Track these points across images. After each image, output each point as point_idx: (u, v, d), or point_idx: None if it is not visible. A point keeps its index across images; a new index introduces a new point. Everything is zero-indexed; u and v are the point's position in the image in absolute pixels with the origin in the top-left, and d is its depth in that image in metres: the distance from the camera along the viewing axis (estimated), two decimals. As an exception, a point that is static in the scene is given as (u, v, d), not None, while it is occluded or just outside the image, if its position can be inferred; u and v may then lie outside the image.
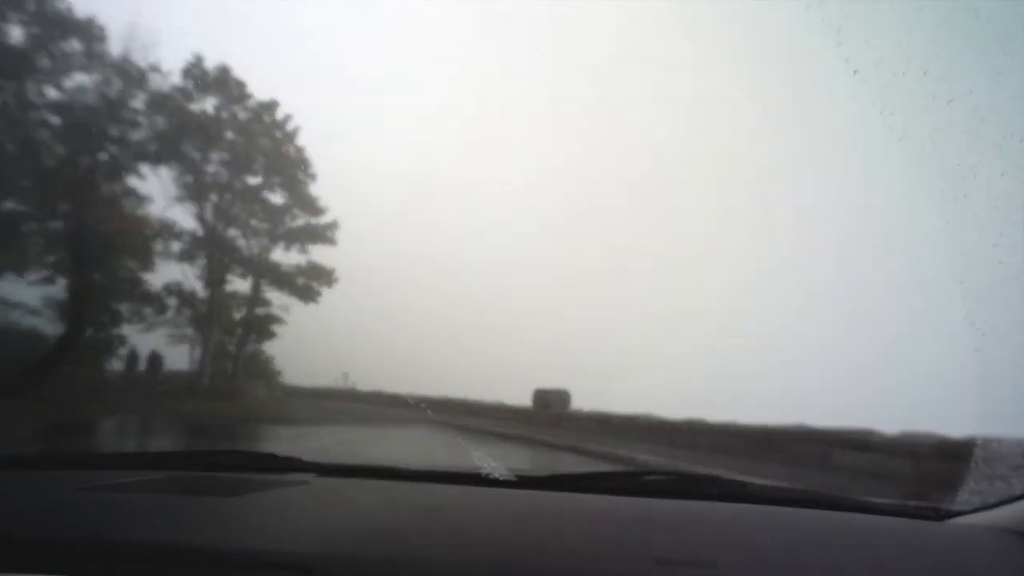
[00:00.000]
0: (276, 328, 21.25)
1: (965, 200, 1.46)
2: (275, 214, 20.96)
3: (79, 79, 15.52)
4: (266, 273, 20.97)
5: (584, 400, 14.81)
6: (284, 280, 20.97)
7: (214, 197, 20.00)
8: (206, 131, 18.73)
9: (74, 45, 15.29)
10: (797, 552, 1.22)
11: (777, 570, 1.11)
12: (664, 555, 1.10)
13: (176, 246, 19.14)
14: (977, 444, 1.57)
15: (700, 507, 1.51)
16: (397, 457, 2.04)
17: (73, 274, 15.05)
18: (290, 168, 20.68)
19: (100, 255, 15.35)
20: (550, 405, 15.07)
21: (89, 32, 15.55)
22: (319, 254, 21.24)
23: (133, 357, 17.80)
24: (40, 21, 14.72)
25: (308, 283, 21.03)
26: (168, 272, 18.69)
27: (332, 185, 20.73)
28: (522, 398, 15.69)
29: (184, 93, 18.60)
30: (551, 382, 15.43)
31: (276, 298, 21.19)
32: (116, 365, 17.60)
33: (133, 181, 16.94)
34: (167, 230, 18.65)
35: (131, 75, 16.46)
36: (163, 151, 17.55)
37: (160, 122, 17.49)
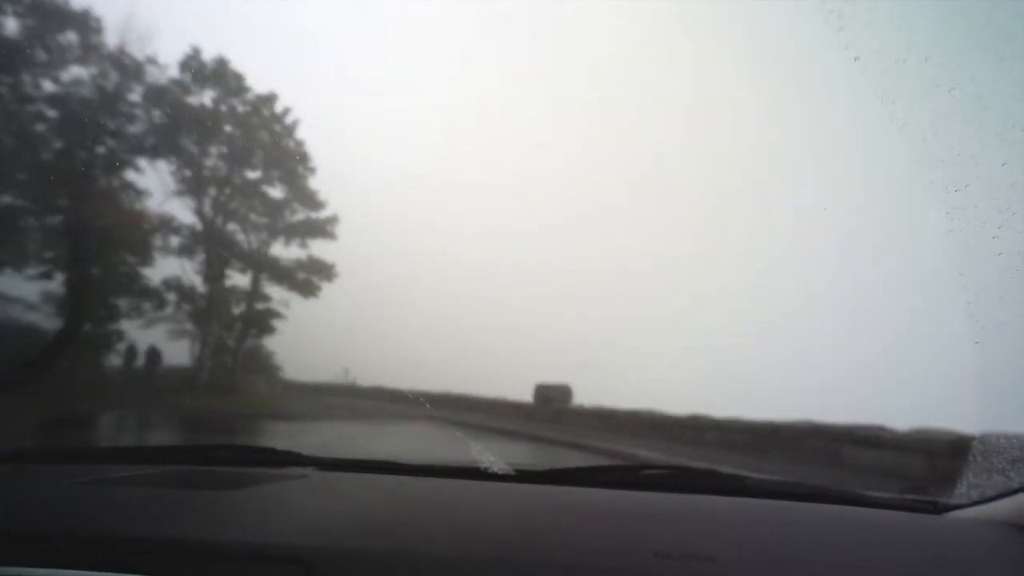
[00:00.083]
0: (276, 323, 21.25)
1: (966, 190, 1.45)
2: (274, 208, 20.92)
3: (75, 72, 15.46)
4: (266, 267, 20.95)
5: (586, 396, 14.70)
6: (284, 275, 20.94)
7: (213, 191, 19.95)
8: (204, 124, 18.66)
9: (70, 37, 15.23)
10: (796, 546, 1.22)
11: (776, 564, 1.11)
12: (662, 549, 1.10)
13: (175, 240, 19.13)
14: (975, 438, 1.57)
15: (698, 501, 1.51)
16: (397, 452, 2.03)
17: (71, 269, 15.02)
18: (289, 162, 20.62)
19: (98, 250, 15.31)
20: (552, 401, 14.89)
21: (85, 24, 15.47)
22: (319, 249, 21.22)
23: (132, 352, 17.81)
24: (35, 13, 14.63)
25: (308, 278, 21.02)
26: (167, 267, 18.68)
27: (332, 180, 20.68)
28: (523, 394, 15.61)
29: (182, 86, 18.55)
30: (552, 378, 15.33)
31: (276, 293, 21.18)
32: (115, 360, 17.63)
33: (131, 175, 16.90)
34: (166, 224, 18.62)
35: (128, 68, 16.39)
36: (161, 145, 17.50)
37: (158, 115, 17.43)
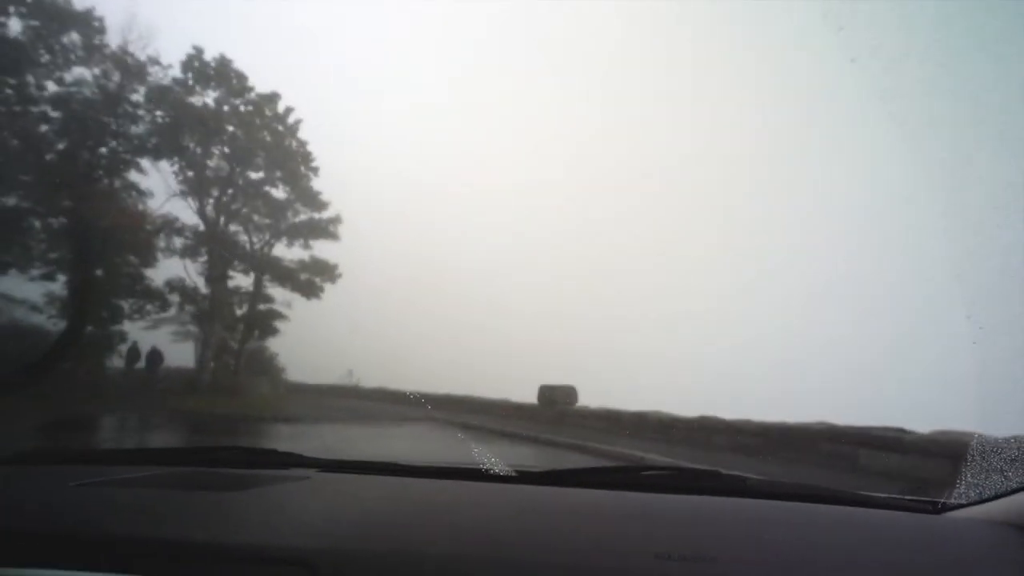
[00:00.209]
0: (279, 324, 21.23)
1: (965, 190, 1.45)
2: (277, 209, 20.92)
3: (78, 72, 15.50)
4: (268, 268, 20.94)
5: (590, 397, 14.47)
6: (286, 276, 20.93)
7: (215, 192, 19.96)
8: (207, 125, 18.66)
9: (73, 37, 15.26)
10: (797, 546, 1.22)
11: (777, 565, 1.11)
12: (664, 550, 1.10)
13: (178, 242, 19.16)
14: (974, 437, 1.57)
15: (700, 502, 1.52)
16: (399, 454, 2.04)
17: (73, 270, 15.05)
18: (292, 162, 20.62)
19: (100, 251, 15.32)
20: (556, 402, 14.48)
21: (88, 24, 15.50)
22: (322, 249, 21.24)
23: (134, 353, 17.82)
24: (39, 13, 14.66)
25: (311, 279, 20.99)
26: (169, 268, 18.70)
27: (335, 181, 20.71)
28: (526, 395, 15.41)
29: (184, 86, 18.57)
30: (556, 379, 15.04)
31: (278, 294, 21.18)
32: (117, 362, 17.64)
33: (134, 176, 16.94)
34: (168, 225, 18.65)
35: (130, 68, 16.42)
36: (163, 145, 17.50)
37: (160, 116, 17.46)
